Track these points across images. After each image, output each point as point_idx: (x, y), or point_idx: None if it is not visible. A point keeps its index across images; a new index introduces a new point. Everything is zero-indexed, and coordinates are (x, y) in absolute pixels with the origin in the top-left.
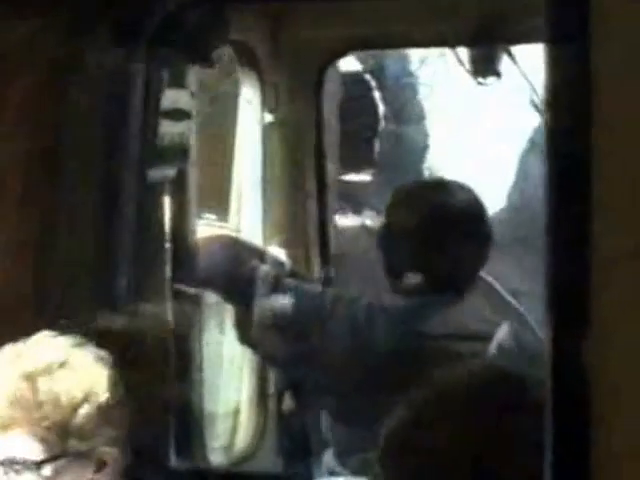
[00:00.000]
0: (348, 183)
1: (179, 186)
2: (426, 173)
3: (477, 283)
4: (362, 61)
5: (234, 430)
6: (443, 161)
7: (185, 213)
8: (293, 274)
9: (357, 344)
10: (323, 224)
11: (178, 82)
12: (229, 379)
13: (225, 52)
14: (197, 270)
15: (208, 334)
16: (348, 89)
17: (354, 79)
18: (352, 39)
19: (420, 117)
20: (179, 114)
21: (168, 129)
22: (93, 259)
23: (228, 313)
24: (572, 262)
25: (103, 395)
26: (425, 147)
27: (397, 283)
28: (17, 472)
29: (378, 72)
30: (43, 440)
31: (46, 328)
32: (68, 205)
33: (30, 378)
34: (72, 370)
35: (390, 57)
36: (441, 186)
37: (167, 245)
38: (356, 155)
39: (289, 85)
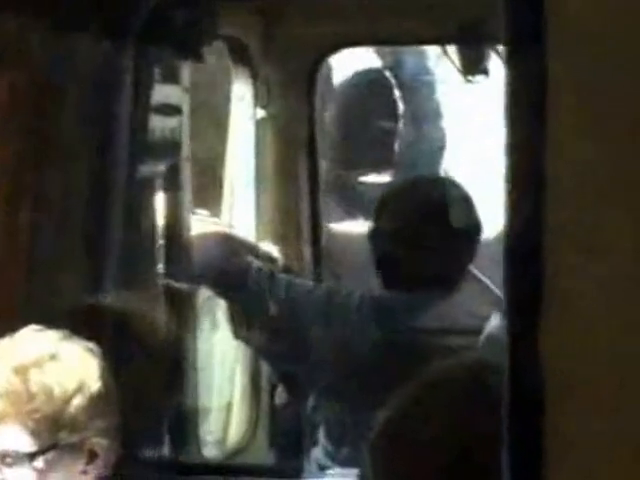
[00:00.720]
0: (367, 184)
1: (172, 181)
2: (442, 174)
3: (467, 278)
4: (381, 56)
5: (227, 424)
6: (459, 160)
7: (178, 208)
8: (286, 270)
9: (350, 339)
10: (315, 220)
11: (169, 77)
12: (222, 373)
13: (217, 48)
14: (190, 265)
15: (201, 329)
16: (368, 87)
17: (374, 76)
18: (344, 35)
19: (437, 115)
20: (170, 109)
21: (159, 124)
22: (83, 255)
23: (221, 308)
24: (526, 255)
25: (94, 386)
26: (442, 147)
27: (388, 279)
28: (9, 465)
29: (396, 69)
30: (35, 432)
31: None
32: (58, 202)
33: (21, 371)
34: (62, 362)
35: (407, 53)
36: (429, 182)
37: (160, 240)
38: (375, 156)
39: (281, 81)
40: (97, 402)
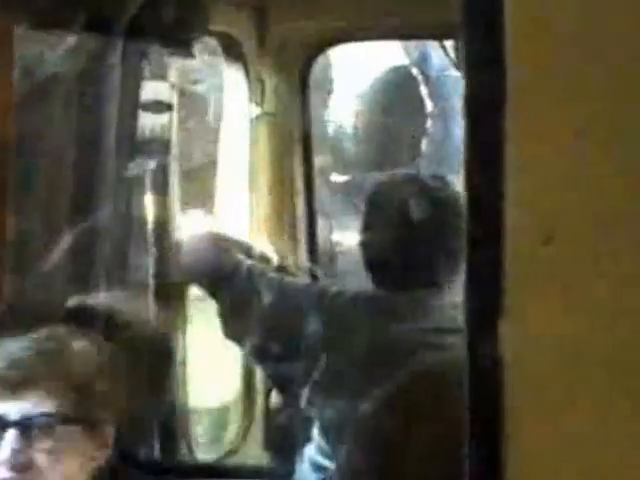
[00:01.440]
0: None
1: (161, 179)
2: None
3: (457, 276)
4: (407, 52)
5: (221, 425)
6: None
7: (168, 207)
8: (280, 269)
9: (341, 338)
10: (311, 218)
11: (158, 74)
12: (216, 374)
13: (210, 44)
14: (181, 264)
15: (193, 329)
16: (396, 84)
17: (401, 73)
18: (338, 31)
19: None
20: (160, 106)
21: (148, 121)
22: (70, 253)
23: (213, 308)
24: (486, 251)
25: (118, 369)
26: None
27: (378, 278)
28: (30, 437)
29: (422, 64)
30: (65, 399)
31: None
32: (44, 200)
33: (57, 337)
34: (92, 342)
35: (432, 47)
36: (419, 180)
37: (150, 239)
38: (403, 154)
39: (275, 78)
40: (118, 387)
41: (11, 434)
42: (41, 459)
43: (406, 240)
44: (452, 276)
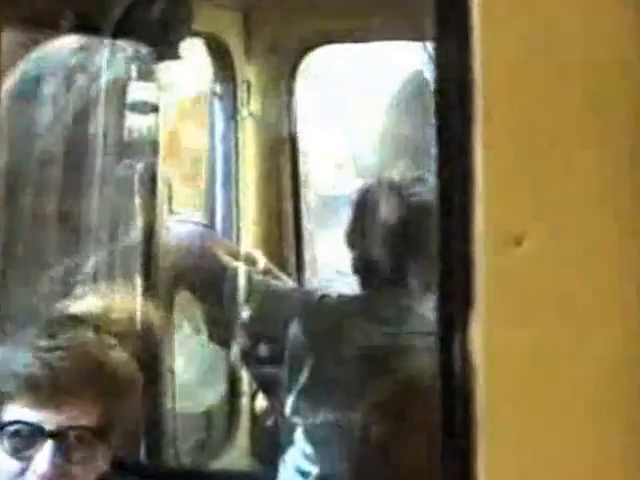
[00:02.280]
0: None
1: (149, 181)
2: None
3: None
4: (418, 54)
5: (206, 429)
6: None
7: (155, 208)
8: (267, 272)
9: (326, 341)
10: (298, 220)
11: (145, 75)
12: (202, 378)
13: (196, 45)
14: (168, 267)
15: (180, 332)
16: (408, 87)
17: (414, 76)
18: (325, 33)
19: None
20: (146, 107)
21: (135, 123)
22: (56, 255)
23: (200, 311)
24: (457, 248)
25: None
26: None
27: (366, 280)
28: (66, 448)
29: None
30: (100, 410)
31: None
32: (30, 201)
33: (98, 345)
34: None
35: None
36: (409, 181)
37: (137, 241)
38: (417, 160)
39: (262, 79)
40: (136, 394)
41: (48, 446)
42: (76, 471)
43: (384, 242)
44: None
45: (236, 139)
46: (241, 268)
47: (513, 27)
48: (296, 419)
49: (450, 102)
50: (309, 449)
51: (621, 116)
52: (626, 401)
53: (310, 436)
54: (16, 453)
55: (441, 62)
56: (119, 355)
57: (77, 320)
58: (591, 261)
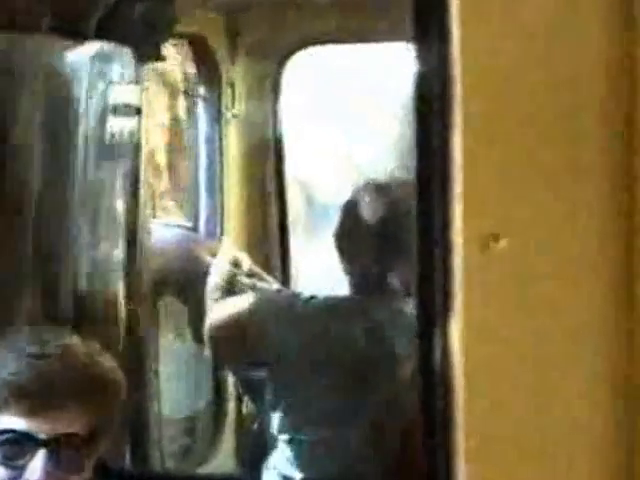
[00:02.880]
0: None
1: (131, 184)
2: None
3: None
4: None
5: (191, 434)
6: None
7: (138, 212)
8: (251, 274)
9: (311, 344)
10: (283, 223)
11: (127, 77)
12: (187, 383)
13: (181, 47)
14: (152, 269)
15: (164, 336)
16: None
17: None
18: (310, 34)
19: None
20: (128, 110)
21: (117, 125)
22: (36, 260)
23: (184, 314)
24: (435, 245)
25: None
26: None
27: (355, 282)
28: (59, 456)
29: None
30: (92, 417)
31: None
32: (9, 204)
33: (89, 355)
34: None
35: None
36: (400, 184)
37: (120, 245)
38: (404, 162)
39: (247, 81)
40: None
41: (41, 454)
42: (68, 478)
43: (371, 245)
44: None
45: (220, 141)
46: (225, 270)
47: (493, 33)
48: (279, 423)
49: (429, 106)
50: (291, 455)
51: (592, 121)
52: (609, 394)
53: (293, 441)
54: (8, 461)
55: (420, 66)
56: (106, 361)
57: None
58: (567, 260)
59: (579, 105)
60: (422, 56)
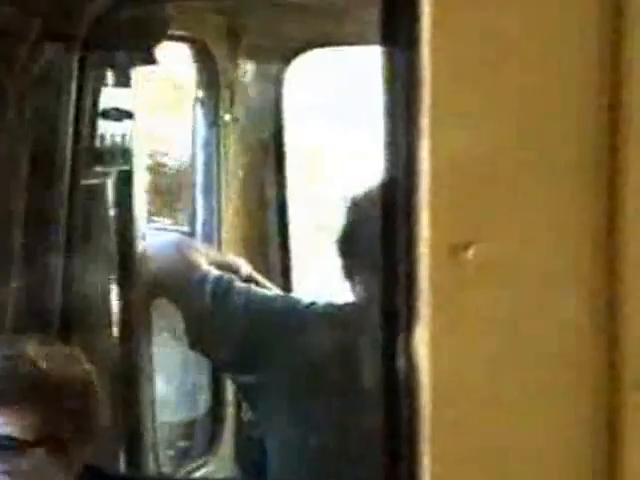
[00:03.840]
0: None
1: (124, 188)
2: None
3: None
4: None
5: (189, 438)
6: None
7: (132, 216)
8: (249, 279)
9: (308, 350)
10: (283, 227)
11: (120, 80)
12: (185, 387)
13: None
14: (146, 275)
15: (161, 341)
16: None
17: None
18: (310, 37)
19: None
20: (120, 114)
21: (108, 129)
22: (23, 264)
23: (179, 319)
24: (400, 254)
25: (91, 384)
26: None
27: (354, 287)
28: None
29: None
30: (34, 420)
31: None
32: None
33: (35, 355)
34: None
35: None
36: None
37: (113, 249)
38: None
39: (246, 84)
40: (90, 403)
41: None
42: None
43: (368, 250)
44: None
45: (218, 145)
46: (223, 275)
47: (463, 37)
48: (274, 428)
49: (397, 113)
50: (287, 461)
51: (564, 127)
52: (573, 401)
53: (289, 447)
54: None
55: (388, 71)
56: (69, 366)
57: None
58: (536, 270)
59: (553, 110)
60: (390, 61)
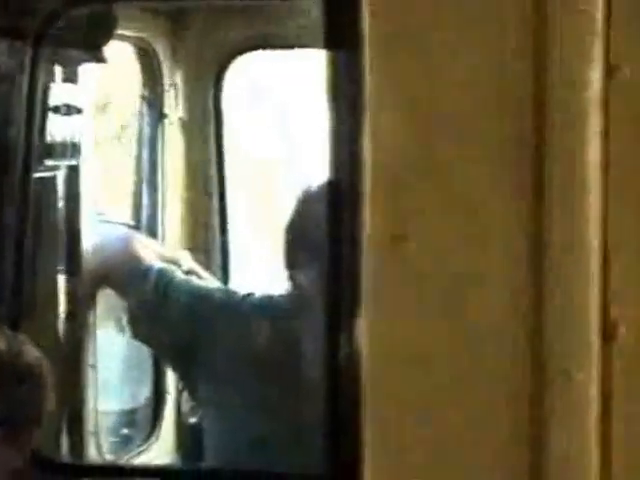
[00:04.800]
0: None
1: (73, 183)
2: None
3: None
4: None
5: (131, 426)
6: None
7: (80, 209)
8: (190, 272)
9: (244, 339)
10: (224, 222)
11: (69, 77)
12: (126, 376)
13: (125, 49)
14: (91, 266)
15: (104, 331)
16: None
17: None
18: (252, 38)
19: None
20: (69, 109)
21: (57, 124)
22: None
23: (123, 309)
24: (344, 245)
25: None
26: None
27: (296, 277)
28: None
29: None
30: None
31: None
32: None
33: None
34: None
35: None
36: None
37: (61, 240)
38: None
39: (190, 84)
40: (40, 387)
41: None
42: None
43: (311, 241)
44: None
45: (163, 142)
46: (164, 268)
47: (403, 42)
48: (212, 416)
49: (341, 109)
50: (225, 447)
51: (503, 124)
52: (513, 395)
53: (227, 434)
54: None
55: (332, 68)
56: (20, 351)
57: None
58: (472, 259)
59: (488, 109)
60: (334, 60)
